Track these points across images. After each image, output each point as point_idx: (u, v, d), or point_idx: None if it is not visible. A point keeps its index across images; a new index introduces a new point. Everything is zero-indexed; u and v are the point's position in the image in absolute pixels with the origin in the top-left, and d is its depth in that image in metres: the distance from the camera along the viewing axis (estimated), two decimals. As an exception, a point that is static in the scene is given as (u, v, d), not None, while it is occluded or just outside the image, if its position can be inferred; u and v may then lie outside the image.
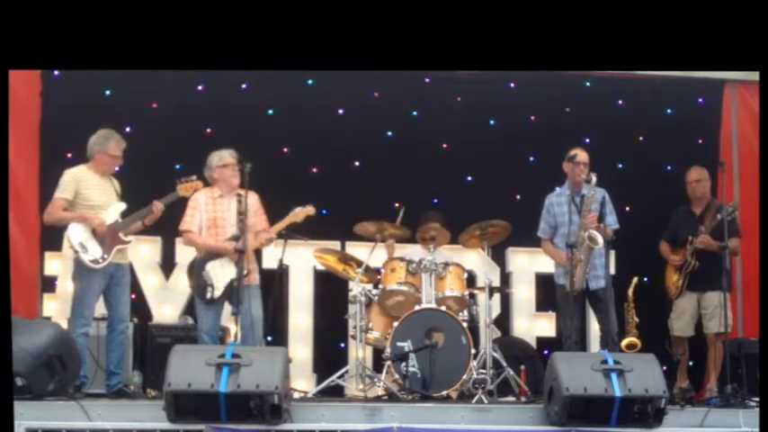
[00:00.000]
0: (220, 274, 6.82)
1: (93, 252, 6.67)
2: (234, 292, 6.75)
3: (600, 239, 6.85)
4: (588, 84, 9.03)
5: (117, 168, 7.03)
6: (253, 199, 6.93)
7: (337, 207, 8.44)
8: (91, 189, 6.81)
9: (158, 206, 6.85)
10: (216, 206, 6.98)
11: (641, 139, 9.06)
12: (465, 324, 7.18)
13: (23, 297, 7.66)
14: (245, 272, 6.60)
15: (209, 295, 6.81)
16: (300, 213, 7.16)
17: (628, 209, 8.19)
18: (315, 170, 8.67)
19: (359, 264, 7.66)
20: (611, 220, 7.16)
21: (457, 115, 8.86)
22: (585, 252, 6.91)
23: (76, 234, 6.68)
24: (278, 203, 7.56)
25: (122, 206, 6.89)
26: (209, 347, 6.46)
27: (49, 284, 8.14)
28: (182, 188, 6.95)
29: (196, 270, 6.97)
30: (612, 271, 7.57)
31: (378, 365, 7.48)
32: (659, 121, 9.07)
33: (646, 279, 8.09)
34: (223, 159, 6.98)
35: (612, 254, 7.57)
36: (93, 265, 6.65)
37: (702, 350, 7.85)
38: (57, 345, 6.04)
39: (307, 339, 8.44)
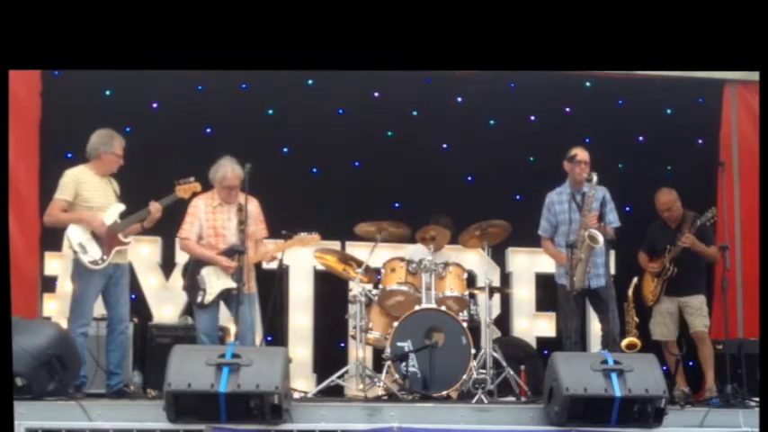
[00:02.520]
0: (214, 280, 6.83)
1: (92, 253, 6.67)
2: (229, 298, 6.77)
3: (600, 239, 6.84)
4: (588, 84, 9.04)
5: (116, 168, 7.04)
6: (253, 206, 6.92)
7: (337, 207, 8.44)
8: (90, 190, 6.80)
9: (156, 207, 6.84)
10: (216, 215, 6.96)
11: (641, 139, 9.07)
12: (465, 324, 7.18)
13: (23, 297, 7.65)
14: (243, 281, 6.60)
15: (199, 299, 6.83)
16: (307, 239, 7.20)
17: (628, 209, 8.18)
18: (315, 170, 8.67)
19: (359, 264, 7.66)
20: (612, 218, 7.15)
21: (457, 115, 8.87)
22: (586, 251, 6.90)
23: (76, 235, 6.68)
24: (278, 204, 7.57)
25: (121, 207, 6.88)
26: (210, 347, 6.46)
27: (49, 284, 8.14)
28: (180, 190, 6.95)
29: (190, 272, 6.97)
30: (612, 271, 7.57)
31: (378, 365, 7.48)
32: (659, 121, 9.07)
33: (646, 279, 8.11)
34: (227, 180, 6.89)
35: (612, 254, 7.57)
36: (92, 266, 6.65)
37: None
38: (57, 345, 6.05)
39: (307, 339, 8.43)
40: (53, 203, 6.80)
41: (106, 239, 6.71)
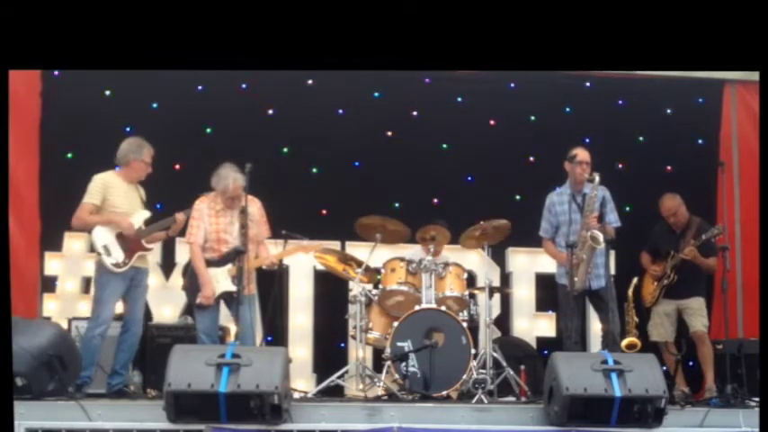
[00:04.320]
0: (214, 283, 6.81)
1: (115, 255, 6.68)
2: (229, 299, 6.77)
3: (602, 239, 6.84)
4: (588, 84, 9.04)
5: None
6: (255, 207, 6.90)
7: (337, 207, 8.44)
8: (118, 196, 6.79)
9: (182, 216, 6.89)
10: (218, 218, 6.90)
11: (641, 139, 9.07)
12: (465, 324, 7.18)
13: (23, 297, 7.66)
14: (243, 283, 6.60)
15: (198, 300, 6.82)
16: (309, 247, 7.24)
17: (628, 209, 8.18)
18: (315, 170, 8.67)
19: (359, 264, 7.65)
20: (613, 218, 7.14)
21: (457, 115, 8.87)
22: (588, 252, 6.90)
23: (101, 237, 6.69)
24: (278, 204, 7.56)
25: (146, 214, 6.90)
26: (210, 347, 6.45)
27: (49, 284, 8.14)
28: None
29: (190, 272, 6.96)
30: (612, 271, 7.56)
31: (378, 365, 7.48)
32: (659, 121, 9.08)
33: (646, 279, 8.11)
34: (229, 192, 6.80)
35: (612, 254, 7.57)
36: (114, 269, 6.65)
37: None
38: (57, 345, 6.05)
39: (307, 339, 8.43)
40: (81, 207, 6.76)
41: (130, 244, 6.72)
